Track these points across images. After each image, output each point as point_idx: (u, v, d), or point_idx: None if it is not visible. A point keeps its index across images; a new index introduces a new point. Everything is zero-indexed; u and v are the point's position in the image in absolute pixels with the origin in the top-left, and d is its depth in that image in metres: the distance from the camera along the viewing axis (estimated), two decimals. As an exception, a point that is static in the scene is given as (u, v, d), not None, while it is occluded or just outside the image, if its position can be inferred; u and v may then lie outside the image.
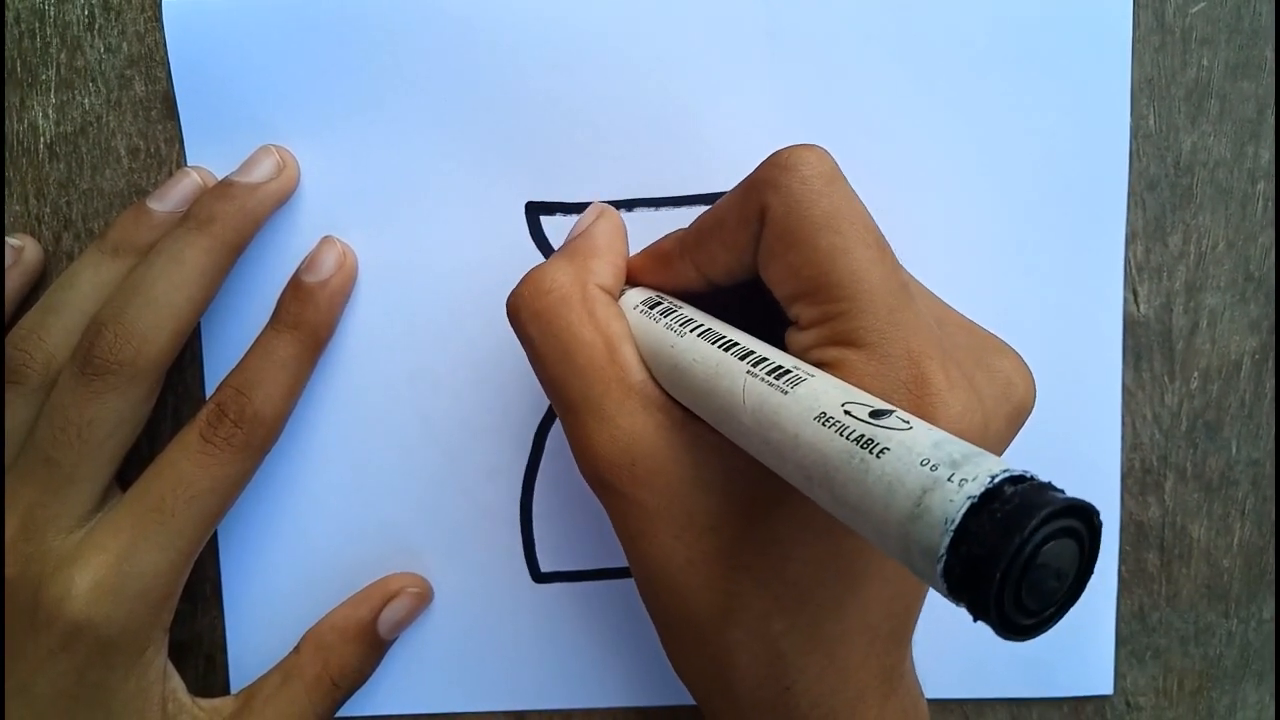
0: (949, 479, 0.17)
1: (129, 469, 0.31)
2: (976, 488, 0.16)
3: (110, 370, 0.29)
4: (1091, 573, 0.17)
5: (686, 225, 0.28)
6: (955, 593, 0.16)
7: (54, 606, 0.29)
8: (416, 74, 0.33)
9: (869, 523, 0.18)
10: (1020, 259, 0.34)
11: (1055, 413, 0.34)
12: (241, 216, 0.31)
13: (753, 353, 0.23)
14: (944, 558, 0.16)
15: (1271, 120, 0.34)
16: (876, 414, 0.19)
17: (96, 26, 0.33)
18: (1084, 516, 0.17)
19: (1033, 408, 0.26)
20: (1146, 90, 0.34)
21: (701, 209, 0.33)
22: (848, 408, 0.19)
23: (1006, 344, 0.27)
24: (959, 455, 0.17)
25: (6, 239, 0.33)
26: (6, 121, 0.34)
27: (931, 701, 0.35)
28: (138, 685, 0.30)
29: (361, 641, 0.33)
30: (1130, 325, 0.34)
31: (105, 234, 0.32)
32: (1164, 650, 0.36)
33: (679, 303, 0.27)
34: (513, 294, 0.28)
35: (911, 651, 0.28)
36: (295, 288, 0.32)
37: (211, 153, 0.34)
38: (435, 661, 0.35)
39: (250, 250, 0.33)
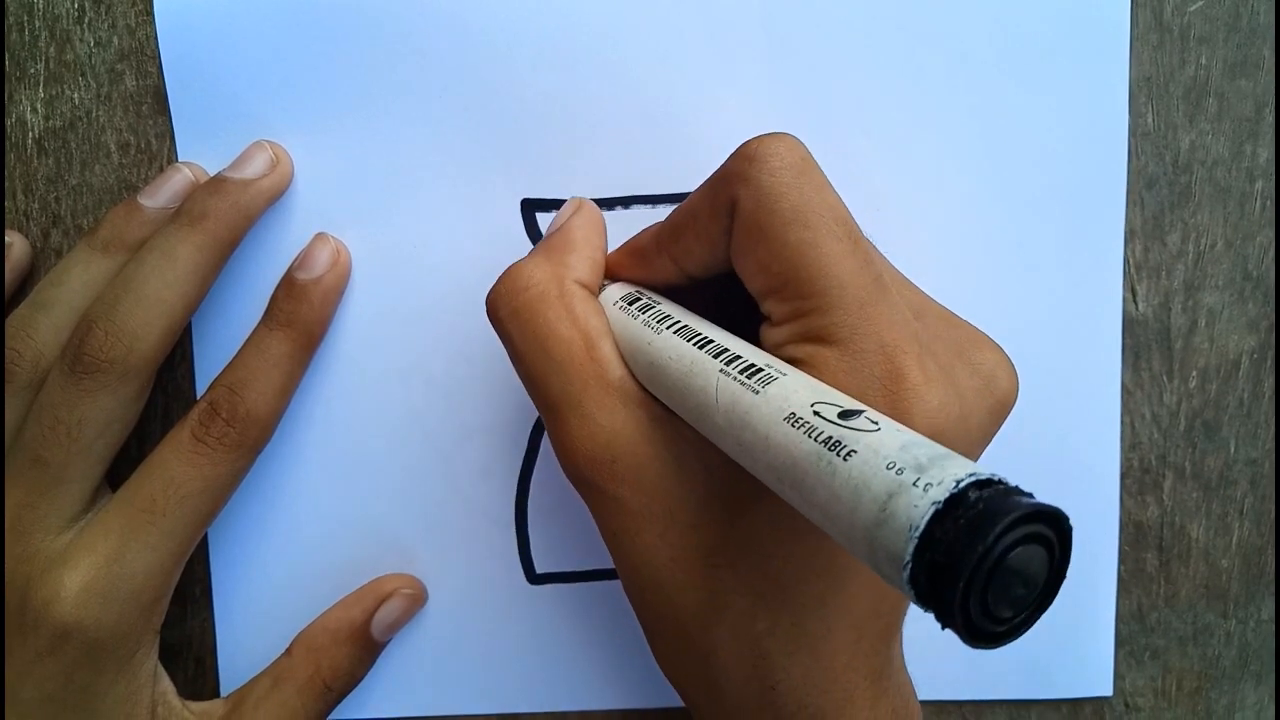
0: (914, 484, 0.16)
1: (118, 469, 0.31)
2: (941, 493, 0.16)
3: (101, 368, 0.29)
4: (1063, 579, 0.17)
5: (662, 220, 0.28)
6: (923, 600, 0.16)
7: (42, 609, 0.28)
8: (411, 69, 0.33)
9: (837, 526, 0.18)
10: (1018, 258, 0.34)
11: (1054, 412, 0.34)
12: (234, 213, 0.31)
13: (726, 350, 0.23)
14: (909, 564, 0.16)
15: (1270, 119, 0.34)
16: (845, 414, 0.19)
17: (86, 20, 0.33)
18: (1054, 522, 0.16)
19: (1015, 401, 0.26)
20: (1145, 88, 0.34)
21: (699, 206, 0.33)
22: (817, 408, 0.19)
23: (988, 337, 0.27)
24: (925, 459, 0.17)
25: (-6, 235, 0.33)
26: (-6, 116, 0.33)
27: (929, 703, 0.35)
28: (127, 688, 0.30)
29: (354, 643, 0.33)
30: (1129, 324, 0.34)
31: (95, 230, 0.32)
32: (1162, 651, 0.36)
33: (658, 298, 0.27)
34: (491, 292, 0.28)
35: (901, 649, 0.27)
36: (288, 285, 0.32)
37: (203, 148, 0.33)
38: (429, 664, 0.35)
39: (242, 247, 0.32)
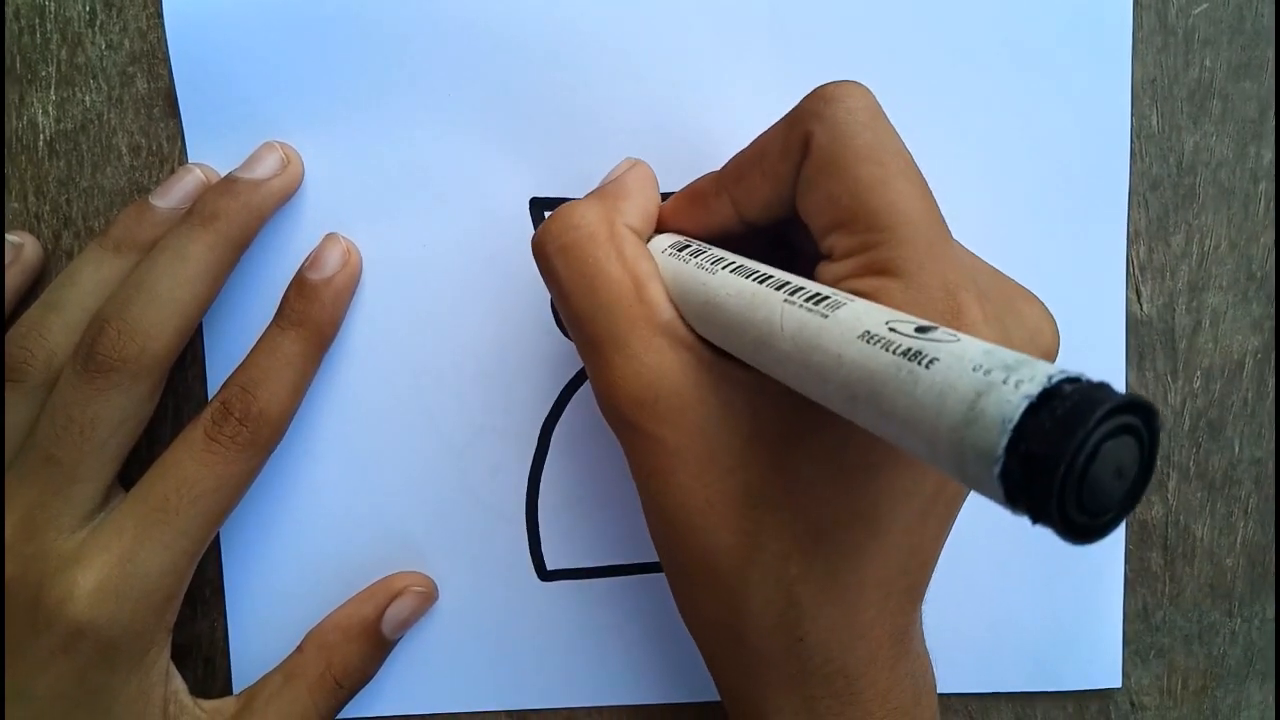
0: (1004, 381, 0.16)
1: (129, 469, 0.31)
2: (1034, 388, 0.16)
3: (113, 367, 0.29)
4: (1151, 474, 0.17)
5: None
6: (1012, 497, 0.16)
7: (56, 608, 0.28)
8: (420, 69, 0.33)
9: (919, 434, 0.18)
10: (1022, 259, 0.34)
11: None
12: (246, 213, 0.31)
13: (788, 283, 0.23)
14: (1001, 459, 0.16)
15: (1273, 121, 0.34)
16: (922, 329, 0.19)
17: (98, 23, 0.33)
18: (1144, 414, 0.16)
19: (1057, 356, 0.27)
20: (1149, 90, 0.34)
21: (708, 206, 0.33)
22: (892, 325, 0.19)
23: (1032, 293, 0.27)
24: (1012, 360, 0.17)
25: (6, 236, 0.33)
26: (6, 118, 0.33)
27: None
28: (139, 687, 0.30)
29: (365, 640, 0.33)
30: (1133, 325, 0.35)
31: (107, 230, 0.32)
32: (1168, 649, 0.36)
33: (708, 245, 0.27)
34: (540, 229, 0.27)
35: (921, 621, 0.28)
36: (299, 285, 0.32)
37: (213, 150, 0.33)
38: (440, 661, 0.35)
39: (253, 248, 0.32)
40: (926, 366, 0.18)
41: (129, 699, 0.30)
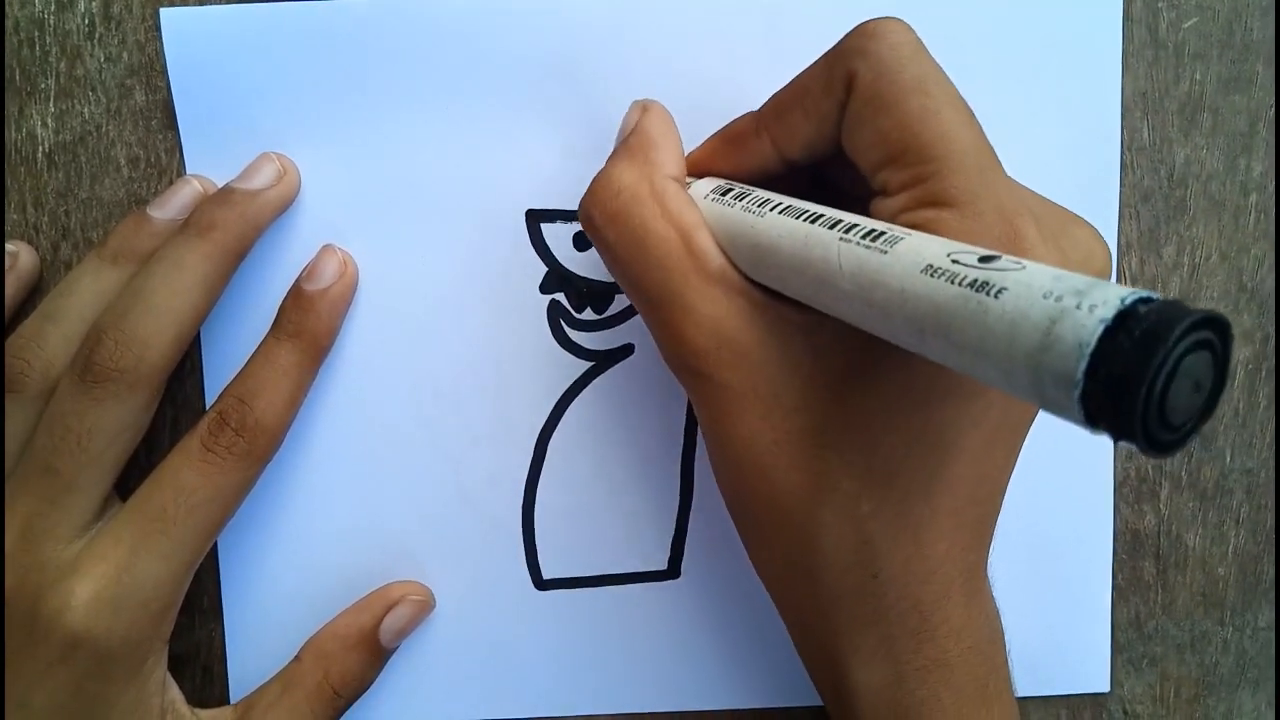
0: (1077, 307, 0.16)
1: (127, 479, 0.31)
2: (1108, 310, 0.16)
3: (110, 377, 0.29)
4: (1224, 385, 0.17)
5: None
6: (1093, 419, 0.16)
7: (53, 618, 0.28)
8: (416, 80, 0.33)
9: (992, 364, 0.18)
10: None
11: (1049, 422, 0.34)
12: (242, 223, 0.31)
13: (840, 220, 0.23)
14: (1081, 383, 0.16)
15: (1262, 133, 0.34)
16: (985, 259, 0.19)
17: (97, 35, 0.33)
18: (1218, 328, 0.17)
19: (1111, 277, 0.26)
20: (1140, 103, 0.34)
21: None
22: (954, 257, 0.19)
23: (1080, 216, 0.27)
24: (1082, 285, 0.17)
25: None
26: (5, 130, 0.34)
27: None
28: (137, 697, 0.30)
29: (363, 650, 0.33)
30: (1125, 335, 0.35)
31: (105, 241, 0.32)
32: (1160, 658, 0.36)
33: (750, 187, 0.27)
34: (582, 202, 0.28)
35: (987, 566, 0.28)
36: (296, 296, 0.32)
37: (211, 162, 0.33)
38: (437, 670, 0.35)
39: (250, 259, 0.33)
40: (995, 296, 0.18)
41: (126, 709, 0.30)
